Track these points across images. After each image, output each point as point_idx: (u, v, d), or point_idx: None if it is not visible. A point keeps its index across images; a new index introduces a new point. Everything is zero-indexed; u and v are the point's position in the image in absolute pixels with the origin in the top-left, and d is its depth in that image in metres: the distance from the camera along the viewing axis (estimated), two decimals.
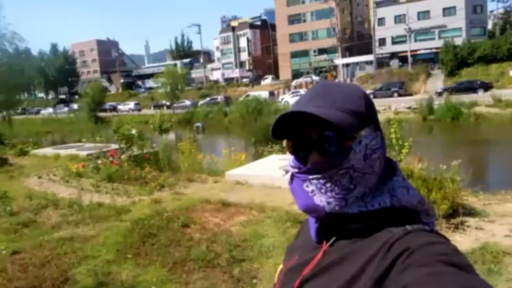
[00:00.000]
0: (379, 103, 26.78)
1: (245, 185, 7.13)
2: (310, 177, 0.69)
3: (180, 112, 36.55)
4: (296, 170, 0.73)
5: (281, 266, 0.88)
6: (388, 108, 25.90)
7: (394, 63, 44.55)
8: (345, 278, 0.65)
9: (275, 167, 7.68)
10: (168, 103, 41.23)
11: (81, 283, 3.50)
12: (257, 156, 10.58)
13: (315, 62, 54.39)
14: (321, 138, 0.70)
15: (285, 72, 57.09)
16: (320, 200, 0.69)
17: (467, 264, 0.56)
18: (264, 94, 36.91)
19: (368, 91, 36.00)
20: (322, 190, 0.69)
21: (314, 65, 54.36)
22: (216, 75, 65.28)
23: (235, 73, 61.72)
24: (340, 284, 0.65)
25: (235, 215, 5.22)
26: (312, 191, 0.70)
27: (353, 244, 0.69)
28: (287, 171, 0.90)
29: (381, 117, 15.47)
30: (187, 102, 39.93)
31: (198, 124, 27.07)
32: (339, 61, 49.35)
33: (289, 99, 35.04)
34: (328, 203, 0.68)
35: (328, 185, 0.68)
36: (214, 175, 8.11)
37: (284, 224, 4.71)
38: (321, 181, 0.69)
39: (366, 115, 0.71)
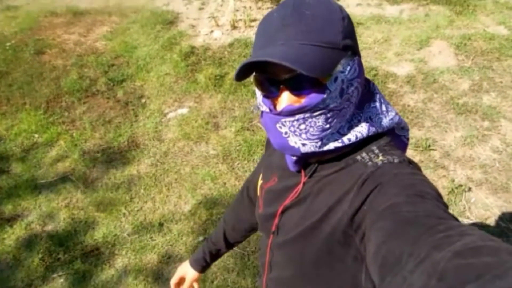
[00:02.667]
0: None
1: None
2: (283, 119, 0.64)
3: None
4: (267, 110, 0.67)
5: (260, 181, 0.90)
6: None
7: None
8: (323, 210, 0.69)
9: None
10: None
11: None
12: None
13: None
14: (292, 78, 0.61)
15: None
16: (295, 142, 0.65)
17: (429, 192, 0.56)
18: None
19: None
20: (296, 133, 0.64)
21: None
22: None
23: None
24: (318, 215, 0.70)
25: (94, 27, 4.58)
26: (286, 132, 0.65)
27: (330, 175, 0.71)
28: (258, 109, 0.78)
29: None
30: None
31: None
32: None
33: None
34: (303, 144, 0.65)
35: (302, 127, 0.63)
36: None
37: (154, 28, 4.36)
38: (294, 123, 0.63)
39: (345, 43, 0.62)
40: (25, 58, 4.02)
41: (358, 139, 0.67)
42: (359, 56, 0.67)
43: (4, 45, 4.22)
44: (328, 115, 0.63)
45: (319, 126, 0.63)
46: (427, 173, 2.51)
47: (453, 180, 2.42)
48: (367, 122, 0.68)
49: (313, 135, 0.64)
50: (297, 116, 0.62)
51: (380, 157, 0.65)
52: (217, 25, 4.29)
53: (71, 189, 2.72)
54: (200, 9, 4.76)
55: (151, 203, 2.58)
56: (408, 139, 0.78)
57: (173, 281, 1.20)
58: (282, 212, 0.79)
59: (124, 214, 2.54)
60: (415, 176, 0.61)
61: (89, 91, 3.57)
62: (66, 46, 4.23)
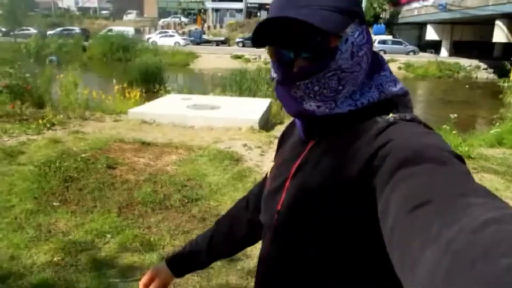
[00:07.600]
0: (248, 51, 27.45)
1: (153, 124, 6.52)
2: (297, 83, 0.67)
3: (23, 41, 30.31)
4: (281, 77, 0.70)
5: (272, 164, 0.88)
6: (258, 57, 26.66)
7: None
8: (335, 164, 0.66)
9: (181, 106, 7.23)
10: (4, 29, 33.87)
11: (9, 238, 2.73)
12: (150, 96, 9.73)
13: (184, 3, 51.58)
14: (305, 40, 0.66)
15: (150, 9, 52.83)
16: (310, 105, 0.68)
17: (443, 155, 0.52)
18: (130, 30, 33.62)
19: (237, 39, 36.49)
20: (311, 95, 0.67)
21: (183, 5, 51.52)
22: (68, 2, 55.83)
23: (92, 2, 53.93)
24: (331, 171, 0.66)
25: (163, 155, 4.77)
26: (301, 97, 0.68)
27: (338, 136, 0.70)
28: (272, 78, 0.84)
29: (252, 66, 15.97)
30: (32, 31, 33.39)
31: (53, 57, 22.96)
32: (210, 4, 47.97)
33: (157, 39, 33.06)
34: (318, 107, 0.68)
35: (316, 88, 0.66)
36: (109, 113, 7.16)
37: (222, 162, 4.53)
38: (308, 85, 0.66)
39: (352, 9, 0.68)
40: (96, 169, 4.03)
41: (370, 102, 0.69)
42: (367, 25, 0.73)
43: (75, 157, 4.30)
44: (341, 76, 0.66)
45: (333, 87, 0.66)
46: None
47: None
48: (377, 88, 0.70)
49: (327, 96, 0.67)
50: (311, 78, 0.66)
51: (391, 114, 0.66)
52: None
53: None
54: (261, 155, 5.07)
55: None
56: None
57: (142, 281, 0.99)
58: (295, 172, 0.74)
59: None
60: (427, 136, 0.59)
61: (163, 204, 3.44)
62: (137, 166, 4.30)
